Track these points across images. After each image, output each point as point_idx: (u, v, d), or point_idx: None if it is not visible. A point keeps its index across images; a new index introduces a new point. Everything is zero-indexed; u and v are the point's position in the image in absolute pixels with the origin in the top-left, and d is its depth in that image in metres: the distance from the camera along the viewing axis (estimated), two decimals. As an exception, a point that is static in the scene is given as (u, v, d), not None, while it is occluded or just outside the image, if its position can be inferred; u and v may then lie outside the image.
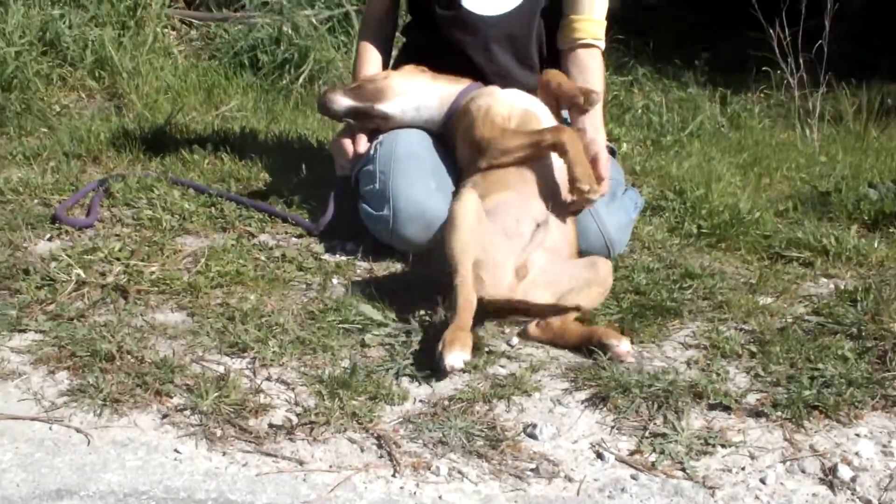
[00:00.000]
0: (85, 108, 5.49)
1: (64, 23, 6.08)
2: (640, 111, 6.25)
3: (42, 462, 2.28)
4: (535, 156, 3.21)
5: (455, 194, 3.24)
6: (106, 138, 4.62)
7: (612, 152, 3.78)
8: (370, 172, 3.50)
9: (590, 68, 3.64)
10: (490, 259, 2.95)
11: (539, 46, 3.80)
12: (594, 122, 3.44)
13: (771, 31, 5.89)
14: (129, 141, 4.53)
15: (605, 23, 3.68)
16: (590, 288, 3.00)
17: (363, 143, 3.58)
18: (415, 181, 3.40)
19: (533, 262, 3.00)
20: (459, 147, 3.46)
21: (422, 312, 2.98)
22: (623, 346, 2.78)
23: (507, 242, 3.00)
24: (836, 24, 5.83)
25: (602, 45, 3.68)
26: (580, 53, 3.65)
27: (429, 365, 2.69)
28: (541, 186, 3.19)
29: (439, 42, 3.77)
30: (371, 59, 3.91)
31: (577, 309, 2.95)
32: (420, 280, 3.23)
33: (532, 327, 2.94)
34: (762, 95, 6.88)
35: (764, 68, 6.40)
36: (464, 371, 2.63)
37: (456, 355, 2.61)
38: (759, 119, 6.38)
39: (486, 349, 2.83)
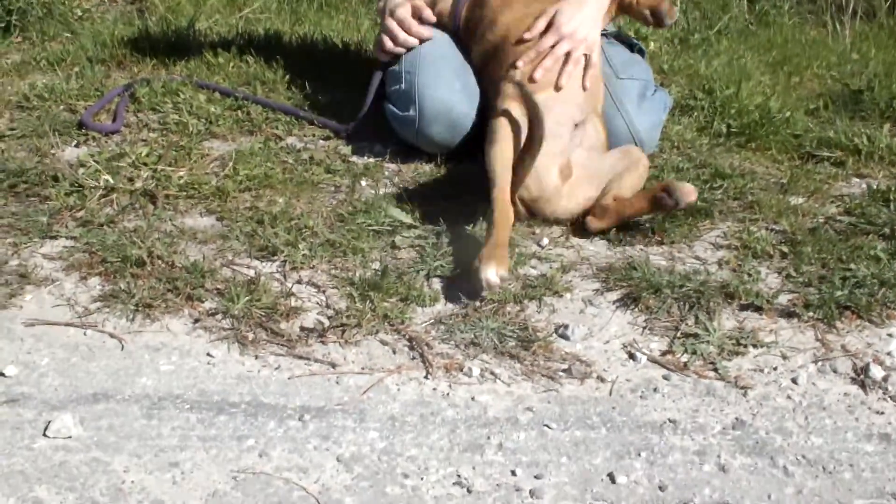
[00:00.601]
0: (107, 13, 5.44)
1: (83, -76, 6.01)
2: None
3: (78, 367, 2.30)
4: None
5: (492, 96, 3.22)
6: (129, 42, 4.58)
7: (640, 52, 3.72)
8: (396, 72, 3.46)
9: None
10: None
11: None
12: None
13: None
14: (152, 45, 4.49)
15: None
16: (630, 172, 2.98)
17: (429, 12, 3.49)
18: (440, 81, 3.35)
19: (574, 160, 2.97)
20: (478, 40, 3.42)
21: (451, 214, 2.96)
22: (687, 186, 2.77)
23: (551, 143, 2.96)
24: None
25: None
26: None
27: (460, 267, 2.70)
28: (575, 87, 3.15)
29: None
30: None
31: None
32: (449, 181, 3.22)
33: (590, 220, 2.93)
34: (791, -9, 6.75)
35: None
36: (501, 287, 2.56)
37: (493, 270, 2.53)
38: (789, 16, 6.27)
39: (517, 250, 2.82)
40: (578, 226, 2.99)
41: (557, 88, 3.12)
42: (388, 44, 3.46)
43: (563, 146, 2.97)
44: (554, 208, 2.98)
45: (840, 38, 5.56)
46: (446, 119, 3.28)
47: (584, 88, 3.14)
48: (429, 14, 3.49)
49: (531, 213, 2.97)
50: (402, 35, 3.45)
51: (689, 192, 2.75)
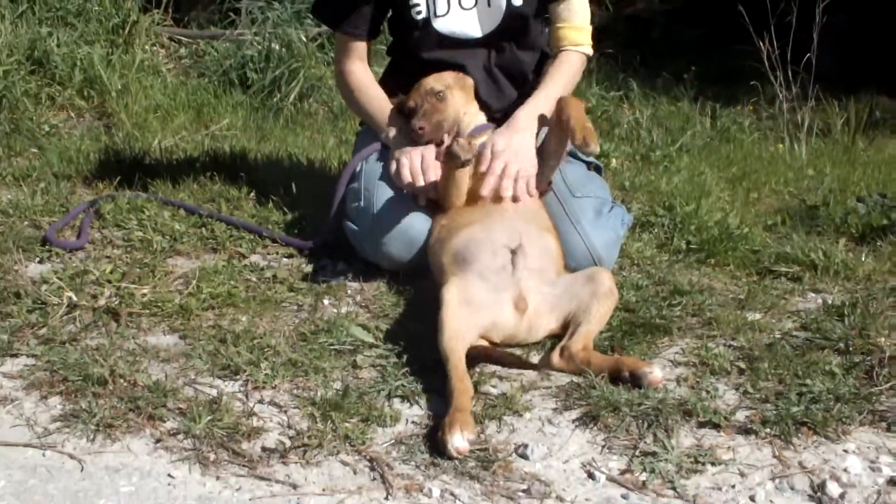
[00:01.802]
0: (74, 128, 5.49)
1: (52, 41, 6.07)
2: (628, 126, 6.26)
3: (35, 489, 2.28)
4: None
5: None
6: (95, 158, 4.63)
7: (597, 169, 3.79)
8: (355, 190, 3.51)
9: (552, 68, 3.69)
10: (485, 306, 2.94)
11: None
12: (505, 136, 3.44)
13: (760, 43, 5.91)
14: (118, 161, 4.54)
15: (587, 28, 3.70)
16: (598, 302, 2.97)
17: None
18: (398, 199, 3.42)
19: (528, 289, 2.98)
20: None
21: (412, 332, 2.98)
22: (656, 372, 2.74)
23: (496, 278, 2.99)
24: (824, 37, 5.85)
25: (583, 50, 3.71)
26: (554, 59, 3.71)
27: (421, 385, 2.71)
28: (503, 214, 3.23)
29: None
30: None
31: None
32: (409, 300, 3.24)
33: (555, 357, 2.88)
34: (752, 108, 6.90)
35: (752, 82, 6.43)
36: (470, 451, 2.46)
37: (458, 437, 2.44)
38: (749, 132, 6.40)
39: (478, 370, 2.84)
40: (540, 345, 3.01)
41: (497, 200, 3.26)
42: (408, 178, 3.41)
43: (508, 277, 3.00)
44: (517, 342, 3.00)
45: (797, 155, 5.68)
46: (404, 236, 3.33)
47: (515, 200, 3.28)
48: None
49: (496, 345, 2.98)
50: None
51: (654, 381, 2.73)
